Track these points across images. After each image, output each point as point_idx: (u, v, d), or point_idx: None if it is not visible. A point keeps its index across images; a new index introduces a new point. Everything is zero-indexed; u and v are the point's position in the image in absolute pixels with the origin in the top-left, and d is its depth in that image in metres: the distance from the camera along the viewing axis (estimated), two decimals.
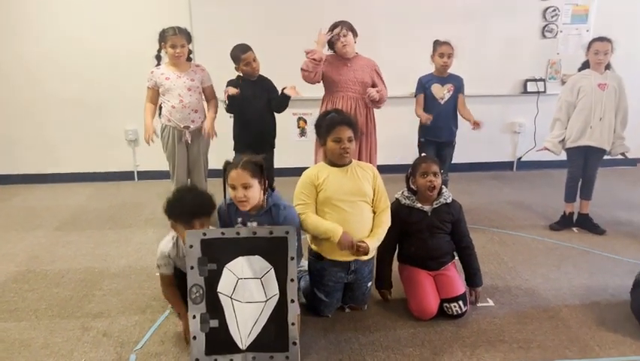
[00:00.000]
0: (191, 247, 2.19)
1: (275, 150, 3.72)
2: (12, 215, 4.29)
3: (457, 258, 2.78)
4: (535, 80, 5.24)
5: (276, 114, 3.65)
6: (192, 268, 2.19)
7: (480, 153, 5.44)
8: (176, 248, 2.39)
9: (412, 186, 2.71)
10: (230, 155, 3.42)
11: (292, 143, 4.96)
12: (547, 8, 5.06)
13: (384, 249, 2.68)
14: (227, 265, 2.20)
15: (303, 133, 5.22)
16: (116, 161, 5.26)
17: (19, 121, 5.09)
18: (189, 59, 3.57)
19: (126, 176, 5.24)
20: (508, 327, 2.53)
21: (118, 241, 3.70)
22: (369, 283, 2.66)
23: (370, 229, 2.56)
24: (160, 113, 3.57)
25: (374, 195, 2.58)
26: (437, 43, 3.69)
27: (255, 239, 2.20)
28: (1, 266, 3.27)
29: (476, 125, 3.73)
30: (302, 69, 3.44)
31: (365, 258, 2.55)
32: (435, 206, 2.67)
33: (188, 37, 3.47)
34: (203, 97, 3.62)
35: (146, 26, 4.54)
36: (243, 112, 3.52)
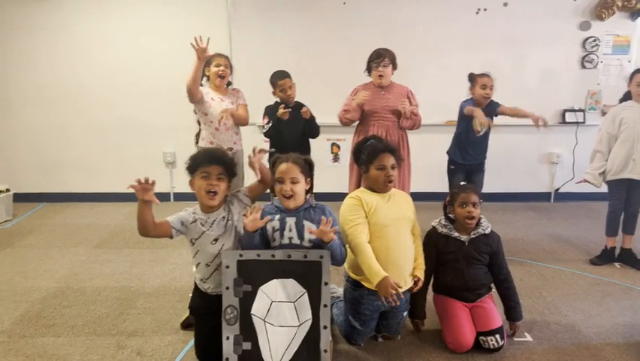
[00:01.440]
0: (227, 267, 2.21)
1: None
2: (55, 232, 4.44)
3: (493, 290, 2.72)
4: (575, 111, 5.15)
5: (310, 140, 3.70)
6: (228, 288, 2.21)
7: (516, 182, 5.34)
8: (192, 216, 2.34)
9: (450, 215, 2.68)
10: None
11: (325, 168, 4.99)
12: (587, 38, 5.00)
13: None
14: (261, 287, 2.21)
15: (336, 158, 5.26)
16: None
17: (63, 143, 5.31)
18: (229, 84, 3.66)
19: (163, 197, 5.31)
20: None
21: (154, 260, 3.76)
22: (405, 313, 2.62)
23: (413, 254, 2.55)
24: (197, 141, 3.64)
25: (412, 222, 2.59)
26: (476, 75, 3.67)
27: (290, 262, 2.21)
28: (42, 282, 3.38)
29: (540, 121, 3.61)
30: (340, 118, 3.60)
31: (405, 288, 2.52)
32: (473, 236, 2.62)
33: (230, 64, 3.57)
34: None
35: (185, 52, 4.69)
36: (279, 137, 3.57)
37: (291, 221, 2.35)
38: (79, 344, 2.62)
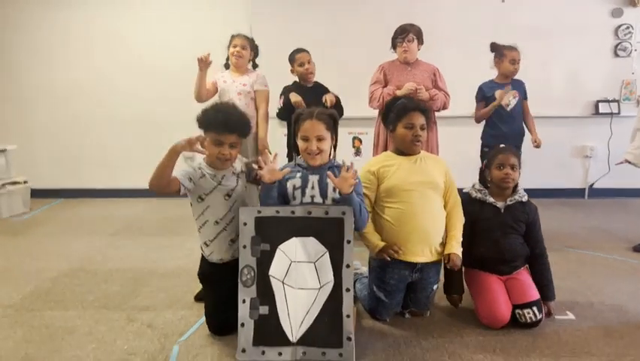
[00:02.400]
0: (245, 224, 2.06)
1: None
2: (71, 223, 4.36)
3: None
4: (608, 101, 4.91)
5: None
6: (245, 247, 2.06)
7: (548, 178, 5.07)
8: (199, 172, 2.25)
9: (488, 179, 2.49)
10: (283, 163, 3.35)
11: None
12: (619, 26, 4.79)
13: None
14: (280, 246, 2.05)
15: (358, 152, 5.11)
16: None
17: (83, 140, 5.28)
18: (255, 66, 3.58)
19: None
20: (594, 340, 2.21)
21: (170, 246, 3.64)
22: (435, 286, 2.41)
23: (442, 222, 2.35)
24: None
25: (445, 188, 2.38)
26: (504, 48, 3.51)
27: (310, 219, 2.05)
28: (54, 264, 3.27)
29: (537, 143, 3.66)
30: (375, 99, 3.42)
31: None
32: (509, 203, 2.43)
33: (252, 44, 3.49)
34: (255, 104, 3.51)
35: (206, 44, 4.64)
36: None
37: (314, 178, 2.19)
38: (88, 317, 2.49)
